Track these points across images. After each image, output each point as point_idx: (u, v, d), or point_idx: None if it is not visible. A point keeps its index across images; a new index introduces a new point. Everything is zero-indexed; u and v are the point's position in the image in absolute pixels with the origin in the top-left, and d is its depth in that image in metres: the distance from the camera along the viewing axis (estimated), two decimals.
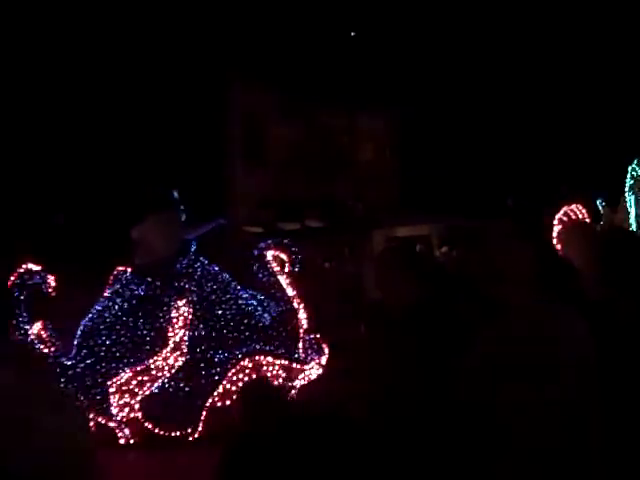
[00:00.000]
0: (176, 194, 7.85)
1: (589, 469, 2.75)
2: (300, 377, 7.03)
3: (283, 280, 7.42)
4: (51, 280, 6.94)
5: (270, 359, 6.78)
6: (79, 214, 18.09)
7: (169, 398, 6.55)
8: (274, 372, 6.80)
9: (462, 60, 22.92)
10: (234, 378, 6.61)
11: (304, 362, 7.08)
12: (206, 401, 6.56)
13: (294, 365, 6.97)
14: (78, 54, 19.01)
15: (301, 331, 7.31)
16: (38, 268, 6.94)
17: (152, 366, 6.49)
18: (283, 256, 7.52)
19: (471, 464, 2.94)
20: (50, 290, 6.96)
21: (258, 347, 6.88)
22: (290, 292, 7.40)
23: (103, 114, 19.28)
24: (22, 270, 6.87)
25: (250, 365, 6.67)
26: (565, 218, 5.79)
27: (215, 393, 6.55)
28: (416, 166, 23.16)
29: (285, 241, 7.71)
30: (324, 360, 7.21)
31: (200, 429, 6.56)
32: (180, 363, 6.57)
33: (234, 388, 6.57)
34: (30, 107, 18.51)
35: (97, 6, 19.65)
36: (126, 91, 19.42)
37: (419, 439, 3.13)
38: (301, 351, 7.22)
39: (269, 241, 7.64)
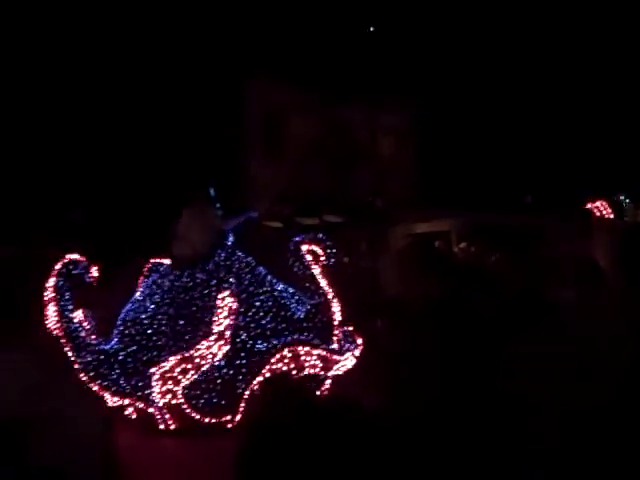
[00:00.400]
0: (212, 189, 8.08)
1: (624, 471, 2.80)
2: (335, 368, 7.19)
3: (317, 273, 7.59)
4: (94, 271, 7.15)
5: (308, 349, 6.93)
6: (103, 208, 18.28)
7: (211, 386, 6.70)
8: (312, 362, 6.94)
9: (483, 53, 22.93)
10: (274, 367, 6.77)
11: (340, 353, 7.23)
12: (246, 389, 6.71)
13: (331, 356, 7.13)
14: (106, 51, 19.19)
15: (335, 323, 7.46)
16: (82, 259, 7.14)
17: (196, 354, 6.63)
18: (318, 250, 7.70)
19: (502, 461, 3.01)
20: (92, 280, 7.15)
21: (296, 337, 7.05)
22: (324, 285, 7.56)
23: (124, 111, 19.44)
24: (66, 260, 7.08)
25: (289, 355, 6.82)
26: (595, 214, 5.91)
27: (255, 382, 6.71)
28: (435, 161, 23.20)
29: (319, 235, 7.88)
30: (358, 352, 7.35)
31: (240, 417, 6.74)
32: (223, 352, 6.74)
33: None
34: (54, 103, 18.69)
35: (119, 2, 19.84)
36: (148, 87, 19.57)
37: (441, 434, 3.17)
38: (335, 342, 7.38)
39: (304, 235, 7.83)
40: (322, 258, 7.65)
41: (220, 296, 6.90)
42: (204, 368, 6.68)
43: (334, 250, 7.75)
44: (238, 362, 6.77)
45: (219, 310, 6.84)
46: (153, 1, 20.24)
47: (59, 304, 6.92)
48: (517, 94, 22.84)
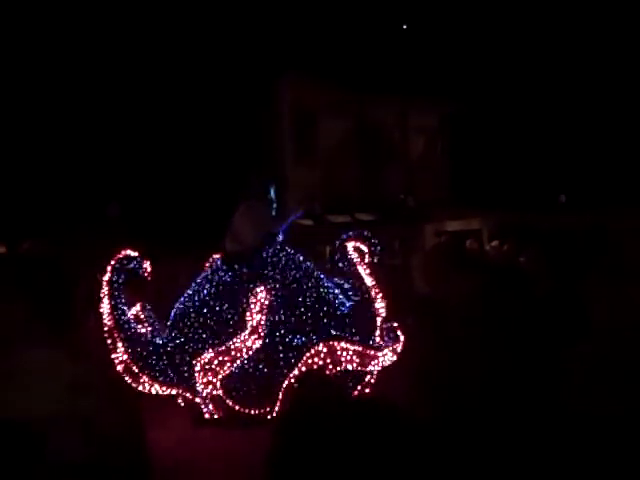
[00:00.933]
0: (270, 186, 8.37)
1: None
2: (374, 363, 7.31)
3: (362, 270, 7.73)
4: (147, 265, 7.41)
5: (344, 344, 7.06)
6: (143, 204, 18.56)
7: (248, 378, 6.91)
8: (348, 357, 7.09)
9: (514, 53, 22.86)
10: (309, 361, 6.92)
11: (378, 349, 7.35)
12: (283, 382, 6.88)
13: (368, 351, 7.25)
14: (143, 48, 19.45)
15: (379, 319, 7.58)
16: (135, 254, 7.38)
17: (232, 347, 6.86)
18: (363, 247, 7.84)
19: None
20: (146, 275, 7.43)
21: (334, 333, 7.20)
22: (369, 281, 7.68)
23: (161, 109, 19.70)
24: (121, 256, 7.32)
25: (325, 350, 6.96)
26: None
27: (291, 375, 6.90)
28: (466, 160, 23.20)
29: (365, 233, 8.01)
30: (399, 348, 7.46)
31: (277, 408, 6.94)
32: (258, 345, 6.92)
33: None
34: (96, 100, 19.01)
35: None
36: (183, 86, 19.81)
37: (485, 432, 3.18)
38: (378, 338, 7.50)
39: (350, 232, 7.97)
40: (367, 255, 7.80)
41: (254, 291, 7.13)
42: (240, 361, 6.89)
43: (379, 247, 7.88)
44: (275, 355, 6.95)
45: (252, 305, 7.07)
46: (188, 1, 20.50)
47: (113, 298, 7.17)
48: (549, 93, 22.74)
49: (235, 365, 6.93)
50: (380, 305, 7.59)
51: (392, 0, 22.92)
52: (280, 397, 6.97)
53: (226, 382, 6.90)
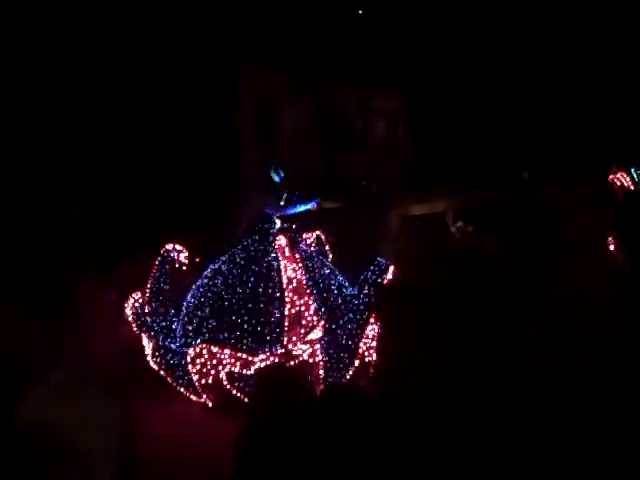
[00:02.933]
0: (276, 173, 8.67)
1: None
2: (254, 367, 7.31)
3: (282, 267, 7.69)
4: (182, 257, 8.36)
5: (217, 348, 7.49)
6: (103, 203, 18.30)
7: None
8: (226, 360, 7.36)
9: (474, 35, 22.87)
10: (196, 361, 7.37)
11: (253, 353, 7.42)
12: (186, 382, 7.69)
13: (242, 355, 7.36)
14: (92, 45, 19.10)
15: (286, 321, 7.58)
16: (171, 246, 8.38)
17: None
18: (282, 241, 7.85)
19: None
20: (181, 265, 8.39)
21: (211, 336, 7.69)
22: (284, 280, 7.60)
23: (114, 104, 19.40)
24: (164, 250, 8.33)
25: (205, 352, 7.45)
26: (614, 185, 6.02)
27: (191, 374, 7.49)
28: (429, 142, 23.21)
29: (285, 225, 8.04)
30: (280, 353, 7.44)
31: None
32: None
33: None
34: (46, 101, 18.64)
35: None
36: (137, 81, 19.51)
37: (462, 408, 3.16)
38: (286, 340, 7.55)
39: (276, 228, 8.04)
40: (287, 250, 7.80)
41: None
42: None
43: (300, 240, 7.97)
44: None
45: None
46: None
47: (155, 287, 8.17)
48: (510, 73, 22.81)
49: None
50: (293, 306, 7.53)
51: None
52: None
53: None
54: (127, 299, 8.16)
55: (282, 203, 8.46)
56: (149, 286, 8.17)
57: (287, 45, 21.07)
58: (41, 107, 18.44)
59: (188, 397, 7.90)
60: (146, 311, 8.04)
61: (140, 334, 8.00)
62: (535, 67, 22.51)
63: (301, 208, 8.38)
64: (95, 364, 7.49)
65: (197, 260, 8.58)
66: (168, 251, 8.34)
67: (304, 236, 8.50)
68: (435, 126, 23.50)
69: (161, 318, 8.13)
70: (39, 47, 18.57)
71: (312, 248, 8.69)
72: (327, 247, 8.94)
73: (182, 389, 7.84)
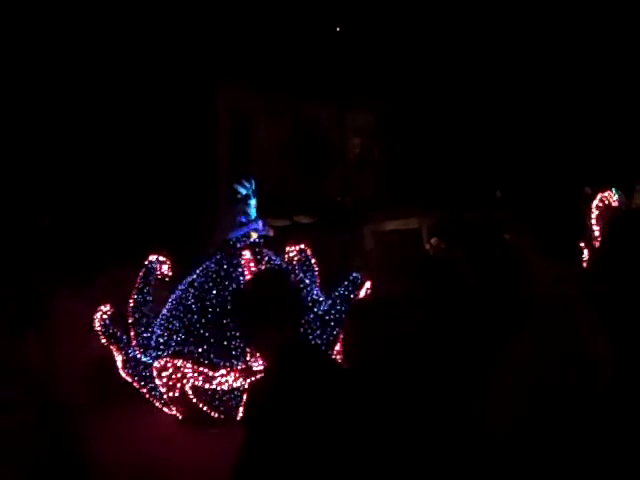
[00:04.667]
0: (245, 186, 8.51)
1: None
2: (216, 382, 7.32)
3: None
4: (165, 268, 8.36)
5: (181, 362, 7.41)
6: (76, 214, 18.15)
7: None
8: (190, 374, 7.37)
9: (448, 53, 23.09)
10: (162, 374, 7.35)
11: (214, 368, 7.43)
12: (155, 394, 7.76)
13: (203, 369, 7.36)
14: (67, 52, 18.98)
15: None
16: (155, 257, 8.34)
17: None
18: (247, 255, 7.86)
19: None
20: (161, 276, 8.41)
21: (178, 349, 7.81)
22: None
23: (90, 117, 19.28)
24: (148, 261, 8.30)
25: (169, 365, 7.39)
26: (601, 204, 6.10)
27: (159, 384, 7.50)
28: (403, 160, 23.34)
29: (252, 240, 8.04)
30: (240, 369, 7.44)
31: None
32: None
33: None
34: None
35: (85, 5, 19.64)
36: (114, 91, 19.42)
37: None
38: (248, 356, 7.54)
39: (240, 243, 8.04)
40: (251, 263, 7.82)
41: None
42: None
43: (265, 256, 7.99)
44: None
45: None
46: (123, 6, 20.09)
47: (139, 298, 8.15)
48: (484, 92, 23.03)
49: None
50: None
51: (326, 4, 22.91)
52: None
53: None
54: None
55: (246, 219, 8.29)
56: (132, 297, 8.10)
57: (263, 62, 21.14)
58: (16, 116, 18.30)
59: (160, 409, 7.84)
60: (113, 323, 7.98)
61: (109, 346, 7.90)
62: (509, 85, 22.74)
63: (249, 229, 8.23)
64: (63, 376, 7.43)
65: (170, 274, 8.51)
66: (151, 262, 8.29)
67: (287, 249, 8.48)
68: (410, 144, 23.65)
69: (143, 329, 8.07)
70: (14, 64, 18.45)
71: (294, 262, 8.68)
72: (312, 260, 8.91)
73: (154, 401, 7.78)
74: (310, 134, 23.18)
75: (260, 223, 8.28)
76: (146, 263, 8.25)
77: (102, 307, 7.96)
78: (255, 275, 2.96)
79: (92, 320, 8.04)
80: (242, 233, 8.14)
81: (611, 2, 21.24)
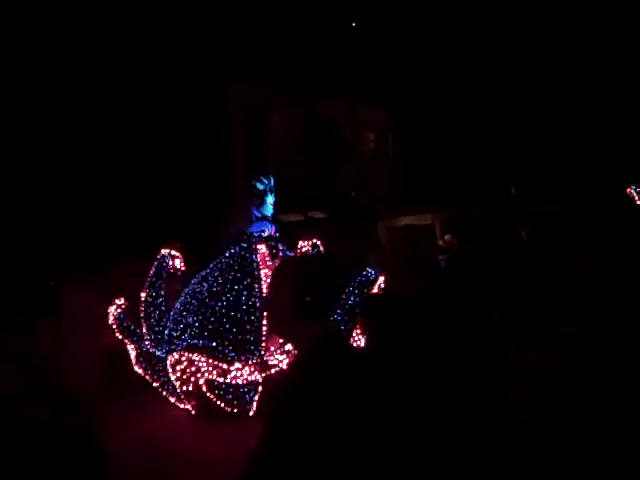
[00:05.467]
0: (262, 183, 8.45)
1: None
2: (231, 376, 7.31)
3: (263, 275, 7.67)
4: (177, 262, 8.29)
5: (196, 356, 7.40)
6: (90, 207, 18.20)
7: None
8: (205, 367, 7.34)
9: (464, 50, 22.96)
10: (177, 368, 7.36)
11: (230, 362, 7.42)
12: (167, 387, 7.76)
13: (218, 363, 7.35)
14: (76, 52, 19.01)
15: (264, 329, 7.50)
16: (173, 252, 8.32)
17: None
18: (263, 249, 7.81)
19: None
20: (175, 271, 8.36)
21: (193, 342, 7.67)
22: (264, 289, 7.55)
23: (103, 111, 19.31)
24: (160, 255, 8.25)
25: (184, 359, 7.39)
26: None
27: (173, 378, 7.48)
28: (418, 155, 23.23)
29: (266, 234, 8.01)
30: (256, 363, 7.43)
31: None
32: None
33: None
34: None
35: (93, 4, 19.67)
36: (128, 86, 19.45)
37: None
38: (262, 350, 7.51)
39: (256, 237, 8.00)
40: (267, 257, 7.77)
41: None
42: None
43: (280, 251, 7.94)
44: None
45: None
46: (131, 3, 20.10)
47: (151, 292, 8.07)
48: (500, 88, 22.89)
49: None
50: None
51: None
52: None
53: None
54: (111, 304, 8.07)
55: (262, 214, 8.26)
56: (145, 291, 8.07)
57: (276, 58, 21.08)
58: (29, 110, 18.34)
59: (173, 403, 7.83)
60: (126, 316, 7.98)
61: (123, 339, 7.91)
62: (523, 82, 22.61)
63: (263, 227, 8.20)
64: (75, 369, 7.43)
65: (183, 268, 8.50)
66: (164, 256, 8.25)
67: (300, 243, 8.41)
68: (424, 139, 23.54)
69: (155, 323, 8.05)
70: (24, 54, 18.48)
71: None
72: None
73: (167, 395, 7.77)
74: (324, 129, 23.11)
75: (273, 229, 8.29)
76: (158, 257, 8.22)
77: (116, 301, 7.99)
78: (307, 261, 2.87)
79: (104, 313, 8.05)
80: (256, 229, 8.12)
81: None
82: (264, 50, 20.99)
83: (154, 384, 7.81)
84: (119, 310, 7.93)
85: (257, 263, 7.80)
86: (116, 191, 18.57)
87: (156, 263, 8.22)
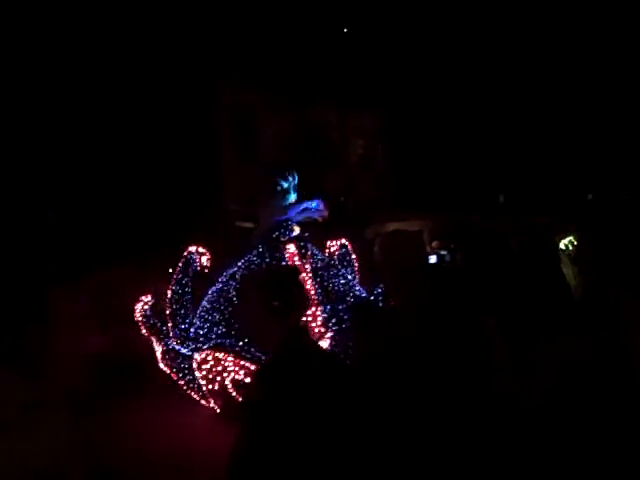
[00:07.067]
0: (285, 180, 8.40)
1: None
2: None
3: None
4: (204, 260, 8.28)
5: (222, 355, 7.53)
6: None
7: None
8: (231, 367, 7.36)
9: (454, 57, 23.06)
10: (202, 367, 7.43)
11: (257, 362, 7.41)
12: (193, 387, 7.69)
13: (244, 363, 7.38)
14: (66, 52, 18.94)
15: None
16: (194, 248, 8.30)
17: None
18: (292, 249, 7.74)
19: None
20: (201, 268, 8.34)
21: (219, 341, 7.69)
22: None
23: (93, 110, 19.24)
24: (187, 252, 8.24)
25: (210, 358, 7.45)
26: None
27: (197, 377, 7.54)
28: (406, 161, 23.29)
29: (295, 234, 7.95)
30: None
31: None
32: None
33: None
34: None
35: (84, 5, 19.59)
36: (115, 89, 19.39)
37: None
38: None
39: (285, 236, 7.93)
40: (296, 257, 7.70)
41: None
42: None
43: (308, 250, 7.84)
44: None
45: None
46: (124, 5, 20.05)
47: (178, 289, 8.06)
48: (486, 96, 23.00)
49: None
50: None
51: (331, 3, 22.87)
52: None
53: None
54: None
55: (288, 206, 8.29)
56: (171, 288, 8.07)
57: (265, 62, 21.10)
58: (15, 112, 18.25)
59: (198, 401, 7.83)
60: (153, 313, 8.00)
61: (149, 337, 7.92)
62: (512, 89, 22.73)
63: (304, 206, 8.21)
64: (60, 374, 7.40)
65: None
66: (191, 254, 8.24)
67: (328, 243, 8.46)
68: (413, 145, 23.61)
69: (181, 320, 8.05)
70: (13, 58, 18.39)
71: (335, 257, 8.67)
72: (353, 256, 8.91)
73: (192, 393, 7.77)
74: (312, 135, 23.13)
75: (317, 202, 8.26)
76: (185, 254, 8.26)
77: (143, 297, 8.01)
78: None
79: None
80: (296, 211, 8.12)
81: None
82: (253, 55, 21.01)
83: (178, 382, 7.81)
84: (146, 307, 7.95)
85: (285, 263, 7.79)
86: (101, 195, 18.52)
87: (183, 260, 8.24)
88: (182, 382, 7.77)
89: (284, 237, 8.02)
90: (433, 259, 7.28)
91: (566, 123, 21.95)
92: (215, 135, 22.34)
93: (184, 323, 8.05)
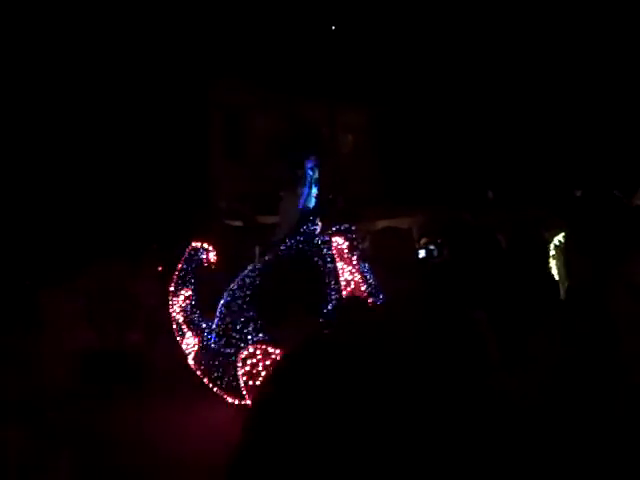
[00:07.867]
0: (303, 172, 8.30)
1: None
2: None
3: (340, 266, 7.53)
4: (212, 255, 8.13)
5: (271, 349, 7.37)
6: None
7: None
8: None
9: (442, 52, 23.09)
10: (248, 362, 7.29)
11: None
12: (233, 381, 7.41)
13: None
14: (58, 46, 18.87)
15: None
16: (204, 245, 8.16)
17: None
18: (340, 241, 7.64)
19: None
20: (209, 264, 8.19)
21: (262, 336, 7.47)
22: (343, 280, 7.44)
23: (85, 112, 19.18)
24: (191, 247, 8.10)
25: (258, 352, 7.31)
26: None
27: (240, 373, 7.39)
28: (395, 158, 23.31)
29: (344, 227, 7.87)
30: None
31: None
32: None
33: None
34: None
35: (77, 5, 19.54)
36: (107, 88, 19.34)
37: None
38: None
39: (334, 228, 7.81)
40: (345, 250, 7.59)
41: None
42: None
43: (358, 243, 7.75)
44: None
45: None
46: (116, 4, 20.00)
47: (182, 288, 7.89)
48: (477, 92, 23.03)
49: None
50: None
51: (320, 2, 22.87)
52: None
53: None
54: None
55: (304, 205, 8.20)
56: (178, 285, 8.07)
57: (256, 60, 21.09)
58: (11, 109, 18.19)
59: (221, 398, 7.75)
60: (192, 308, 7.92)
61: (187, 332, 7.81)
62: (503, 85, 22.77)
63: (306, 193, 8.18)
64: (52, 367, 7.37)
65: (160, 269, 8.41)
66: (196, 249, 8.18)
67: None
68: (402, 142, 23.63)
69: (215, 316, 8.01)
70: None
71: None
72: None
73: (217, 390, 7.67)
74: (303, 131, 23.11)
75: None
76: (188, 250, 8.16)
77: (182, 292, 7.88)
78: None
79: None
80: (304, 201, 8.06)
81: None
82: (245, 52, 21.00)
83: (203, 379, 7.69)
84: (187, 302, 7.82)
85: (331, 256, 7.67)
86: (91, 194, 18.47)
87: (186, 256, 8.15)
88: (206, 380, 7.65)
89: (316, 230, 7.92)
90: (422, 254, 7.27)
91: (557, 118, 22.01)
92: (206, 133, 22.32)
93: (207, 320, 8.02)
